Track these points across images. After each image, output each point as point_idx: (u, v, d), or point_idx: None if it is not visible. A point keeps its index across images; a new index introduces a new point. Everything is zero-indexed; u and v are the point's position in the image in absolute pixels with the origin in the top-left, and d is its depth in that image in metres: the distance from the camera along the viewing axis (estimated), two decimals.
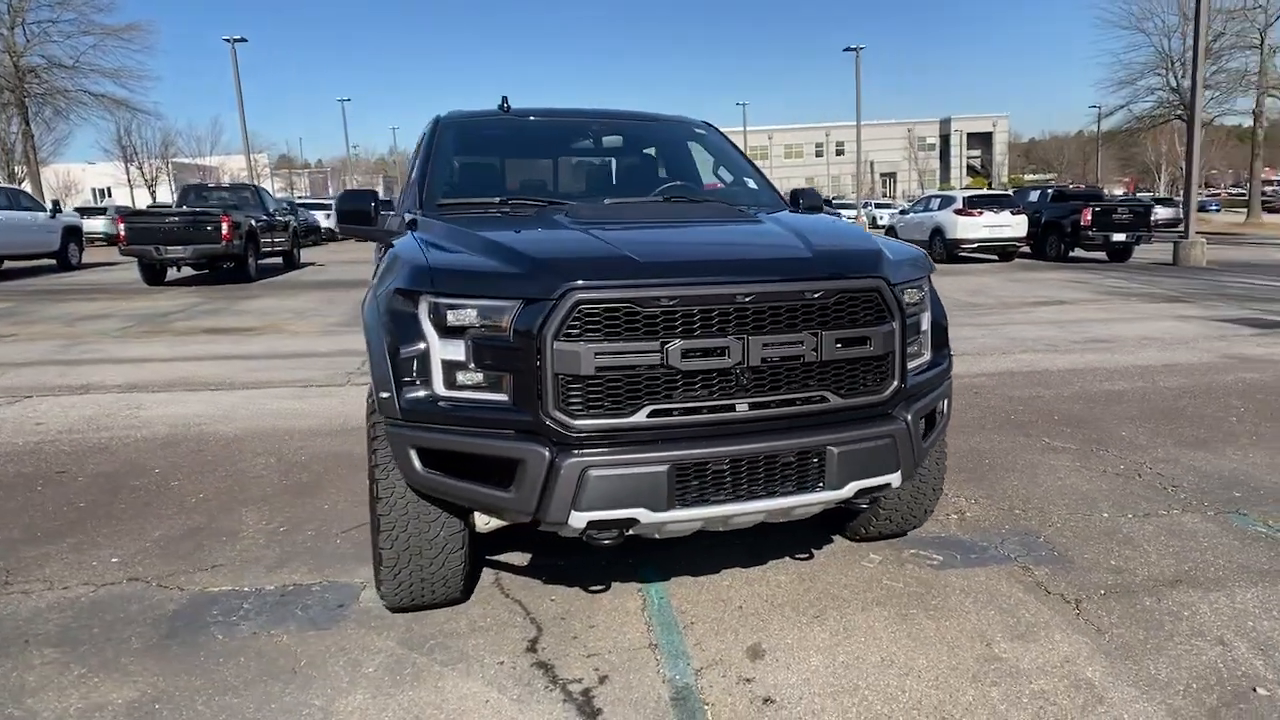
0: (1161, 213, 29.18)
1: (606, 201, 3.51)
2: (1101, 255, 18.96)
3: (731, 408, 2.45)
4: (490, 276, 2.46)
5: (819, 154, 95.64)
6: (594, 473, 2.33)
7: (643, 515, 2.39)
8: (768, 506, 2.50)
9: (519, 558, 3.42)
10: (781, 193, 4.09)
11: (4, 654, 2.75)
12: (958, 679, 2.51)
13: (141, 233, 15.73)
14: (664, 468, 2.36)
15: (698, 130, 4.37)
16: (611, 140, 4.22)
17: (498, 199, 3.56)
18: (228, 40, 35.12)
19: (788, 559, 3.36)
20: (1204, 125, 36.74)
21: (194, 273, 17.63)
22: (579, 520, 2.37)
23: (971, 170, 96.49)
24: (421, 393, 2.50)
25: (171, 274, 17.48)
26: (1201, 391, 6.11)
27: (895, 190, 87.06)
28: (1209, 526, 3.61)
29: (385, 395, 2.53)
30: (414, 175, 3.70)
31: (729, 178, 4.17)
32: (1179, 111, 37.17)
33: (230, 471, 4.66)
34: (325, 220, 35.48)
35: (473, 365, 2.44)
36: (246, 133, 36.06)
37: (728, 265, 2.53)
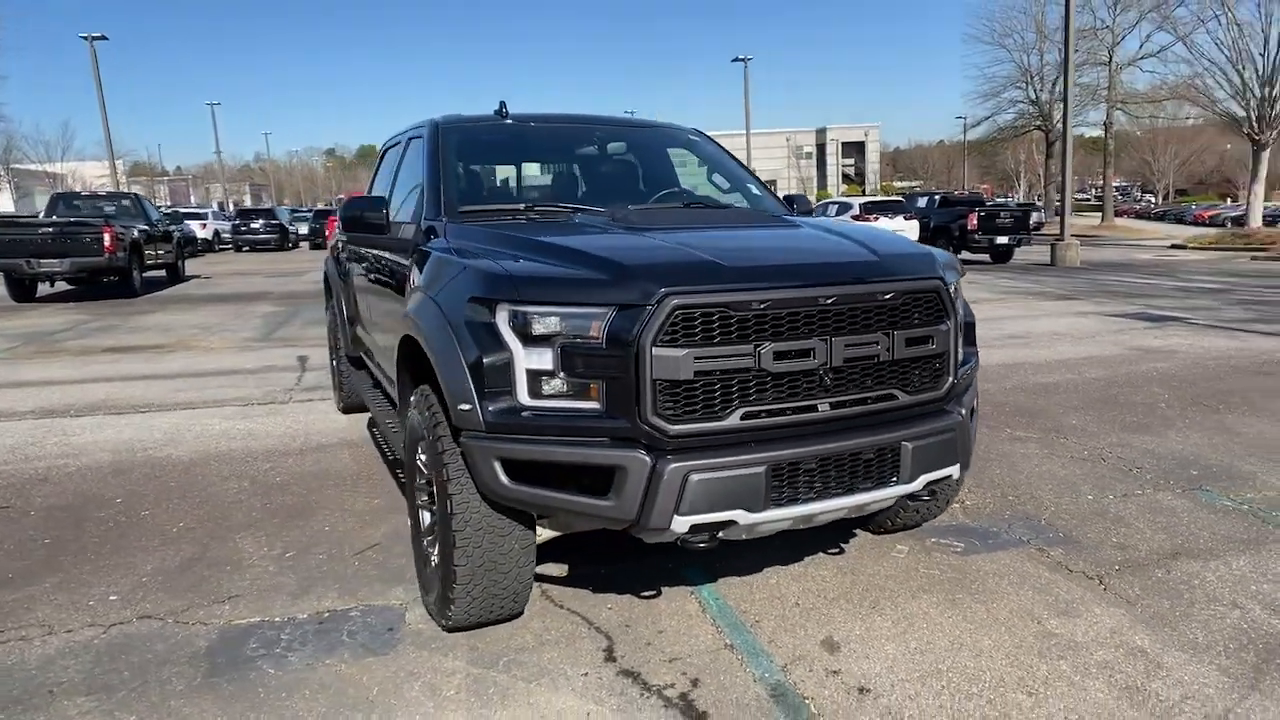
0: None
1: (631, 208, 3.51)
2: (985, 257, 20.26)
3: (814, 408, 2.52)
4: (579, 284, 2.43)
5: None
6: (695, 477, 2.34)
7: (740, 517, 2.42)
8: (849, 503, 2.58)
9: (557, 569, 3.37)
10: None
11: (31, 708, 2.50)
12: (1026, 655, 2.66)
13: (10, 245, 14.41)
14: (761, 469, 2.40)
15: (691, 137, 4.44)
16: (615, 146, 4.22)
17: (522, 205, 3.51)
18: (86, 38, 32.63)
19: (821, 554, 3.46)
20: (1060, 136, 39.96)
21: (68, 288, 16.31)
22: (681, 525, 2.37)
23: (846, 178, 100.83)
24: (504, 404, 2.44)
25: (43, 289, 16.12)
26: (1124, 381, 6.66)
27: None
28: (1183, 503, 3.95)
29: (466, 408, 2.46)
30: (424, 182, 3.58)
31: (725, 184, 4.25)
32: (1038, 122, 40.16)
33: (203, 498, 4.37)
34: (201, 230, 33.57)
35: (561, 374, 2.40)
36: (110, 137, 33.62)
37: (809, 269, 2.59)
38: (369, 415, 6.06)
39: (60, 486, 4.60)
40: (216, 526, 3.95)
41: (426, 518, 3.10)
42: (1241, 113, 24.86)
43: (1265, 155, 25.33)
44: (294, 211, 44.25)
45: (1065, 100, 18.63)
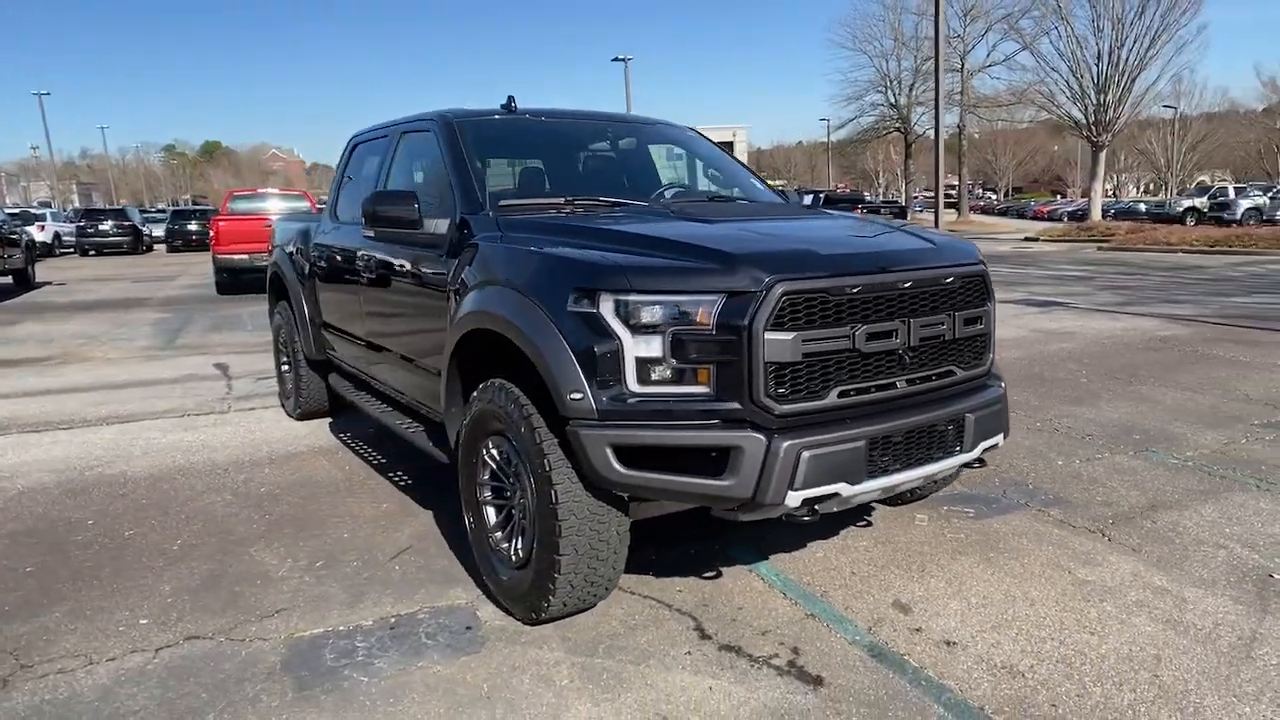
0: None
1: (670, 200, 3.59)
2: None
3: (894, 385, 2.70)
4: (688, 272, 2.50)
5: None
6: (807, 453, 2.46)
7: (843, 489, 2.56)
8: (925, 472, 2.78)
9: None
10: None
11: None
12: (1072, 601, 2.95)
13: None
14: (862, 443, 2.56)
15: (689, 133, 4.55)
16: (626, 142, 4.28)
17: (561, 199, 3.52)
18: None
19: (852, 527, 3.66)
20: (918, 138, 42.69)
21: None
22: (793, 500, 2.49)
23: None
24: (615, 391, 2.49)
25: None
26: (1042, 360, 7.30)
27: None
28: (1139, 463, 4.43)
29: (577, 396, 2.49)
30: (452, 177, 3.52)
31: (721, 177, 4.39)
32: (898, 125, 42.70)
33: (190, 514, 4.10)
34: (40, 233, 30.59)
35: (672, 360, 2.47)
36: None
37: (888, 256, 2.76)
38: (329, 421, 5.85)
39: (8, 512, 4.20)
40: (222, 541, 3.74)
41: (493, 514, 3.08)
42: (1082, 117, 27.49)
43: (1103, 156, 28.12)
44: (143, 212, 41.04)
45: (936, 104, 19.97)
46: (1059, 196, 63.82)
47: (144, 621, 3.01)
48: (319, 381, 5.71)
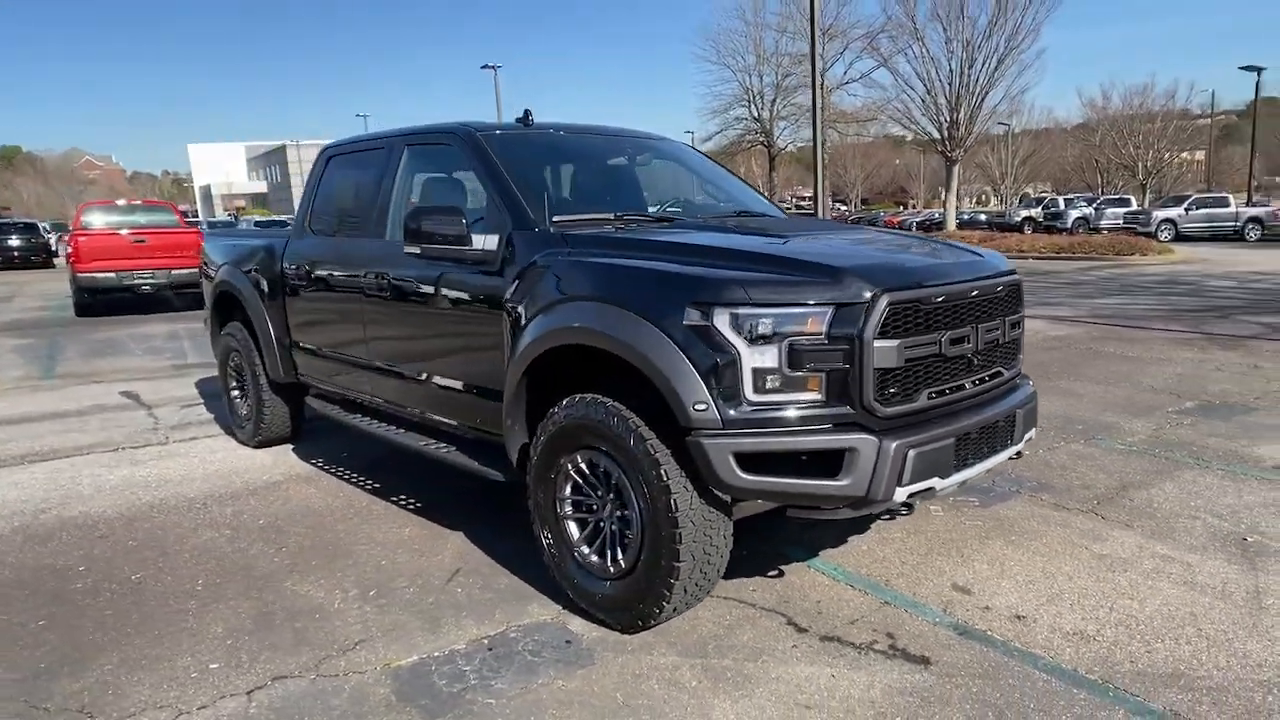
0: None
1: (716, 217, 3.73)
2: None
3: (964, 386, 2.96)
4: (800, 285, 2.65)
5: None
6: (912, 452, 2.67)
7: (936, 483, 2.79)
8: (990, 464, 3.05)
9: None
10: None
11: None
12: (1101, 573, 3.32)
13: None
14: (951, 441, 2.80)
15: (688, 149, 4.71)
16: (643, 158, 4.37)
17: (611, 215, 3.58)
18: None
19: (879, 522, 3.92)
20: (780, 151, 44.65)
21: None
22: (900, 495, 2.69)
23: None
24: (735, 401, 2.61)
25: None
26: None
27: None
28: (1093, 450, 4.96)
29: (701, 407, 2.59)
30: (493, 192, 3.51)
31: (727, 191, 4.56)
32: (761, 139, 44.47)
33: (193, 551, 3.85)
34: None
35: (786, 369, 2.62)
36: None
37: (957, 268, 3.02)
38: (291, 447, 5.58)
39: None
40: (248, 578, 3.54)
41: (575, 528, 3.11)
42: (936, 133, 29.78)
43: (956, 170, 30.58)
44: None
45: (814, 118, 21.06)
46: (903, 207, 68.40)
47: (214, 666, 2.84)
48: (283, 406, 5.45)
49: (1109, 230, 27.83)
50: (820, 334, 2.62)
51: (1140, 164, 40.69)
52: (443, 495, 4.48)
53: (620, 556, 2.93)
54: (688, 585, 2.78)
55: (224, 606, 3.28)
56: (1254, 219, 27.39)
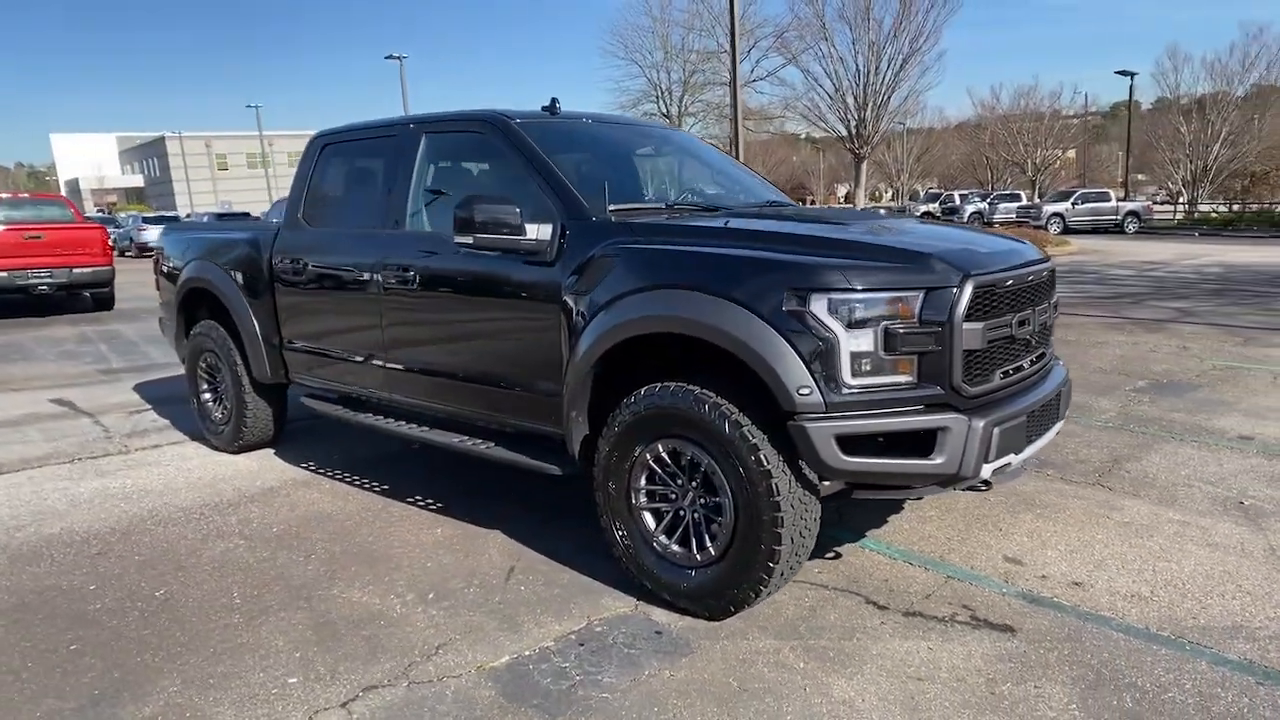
0: None
1: (763, 206, 3.76)
2: None
3: (1023, 366, 3.11)
4: (893, 271, 2.72)
5: None
6: (996, 429, 2.78)
7: (1013, 459, 2.91)
8: (1047, 439, 3.21)
9: None
10: None
11: None
12: (1131, 539, 3.54)
13: None
14: (1024, 418, 2.93)
15: (698, 140, 4.72)
16: (667, 148, 4.35)
17: (661, 204, 3.56)
18: None
19: (910, 501, 4.05)
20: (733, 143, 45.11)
21: None
22: (986, 471, 2.80)
23: None
24: (835, 385, 2.65)
25: None
26: None
27: None
28: (1076, 427, 5.26)
29: (806, 391, 2.63)
30: (541, 182, 3.44)
31: (736, 184, 4.61)
32: None
33: (213, 563, 3.62)
34: None
35: (882, 352, 2.68)
36: None
37: (1016, 254, 3.15)
38: (272, 450, 5.30)
39: None
40: (287, 588, 3.36)
41: (651, 519, 3.10)
42: (845, 130, 30.77)
43: (864, 166, 31.69)
44: None
45: (735, 117, 21.37)
46: (803, 203, 70.41)
47: (293, 680, 2.68)
48: (266, 408, 5.18)
49: (1003, 224, 29.46)
50: (913, 318, 2.69)
51: (1030, 161, 43.28)
52: (457, 494, 4.37)
53: (709, 544, 2.93)
54: (784, 569, 2.81)
55: (274, 619, 3.10)
56: (1132, 212, 29.55)
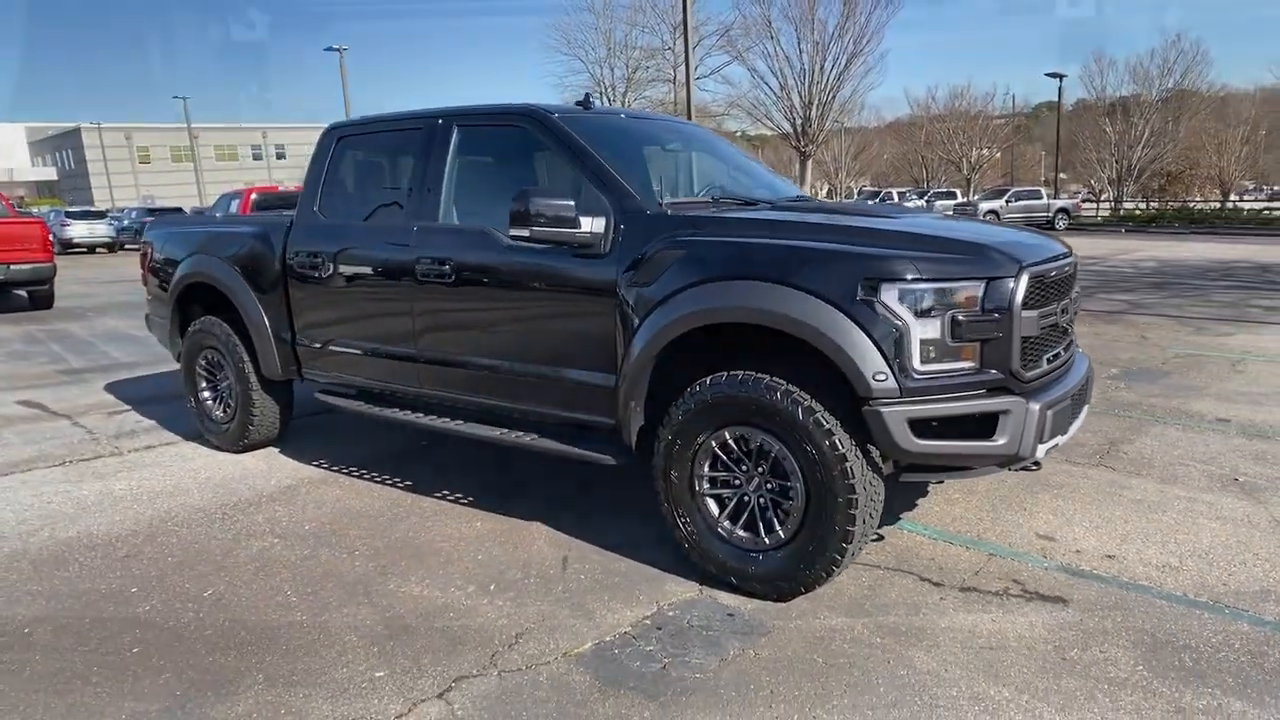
0: None
1: (797, 199, 3.86)
2: None
3: (1060, 353, 3.29)
4: (958, 262, 2.85)
5: (257, 157, 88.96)
6: (1049, 411, 2.95)
7: (1060, 439, 3.08)
8: (1080, 421, 3.39)
9: None
10: None
11: None
12: (1147, 515, 3.77)
13: None
14: (1069, 400, 3.10)
15: (718, 136, 4.81)
16: (696, 144, 4.41)
17: (705, 198, 3.63)
18: None
19: (931, 487, 4.22)
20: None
21: None
22: (1040, 452, 2.96)
23: None
24: (906, 370, 2.78)
25: None
26: None
27: None
28: None
29: (882, 378, 2.74)
30: (591, 175, 3.47)
31: (757, 180, 4.71)
32: None
33: (255, 564, 3.57)
34: None
35: (949, 340, 2.81)
36: None
37: (1052, 246, 3.32)
38: (277, 449, 5.20)
39: None
40: (342, 584, 3.34)
41: (714, 505, 3.17)
42: (790, 129, 31.29)
43: (809, 164, 32.26)
44: None
45: (689, 114, 21.54)
46: None
47: (380, 674, 2.68)
48: (274, 406, 5.08)
49: None
50: (976, 307, 2.83)
51: (965, 159, 44.73)
52: (482, 488, 4.38)
53: (777, 528, 3.03)
54: (855, 549, 2.92)
55: (338, 615, 3.08)
56: (1062, 209, 30.91)
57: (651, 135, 4.32)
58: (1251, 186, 49.77)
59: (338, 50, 36.09)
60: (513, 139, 3.94)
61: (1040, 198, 31.76)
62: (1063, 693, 2.47)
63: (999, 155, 52.92)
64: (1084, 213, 33.70)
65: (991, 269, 2.86)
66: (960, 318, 2.80)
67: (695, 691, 2.53)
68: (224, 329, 5.05)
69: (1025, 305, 2.88)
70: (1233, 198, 39.92)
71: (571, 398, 3.57)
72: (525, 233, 3.35)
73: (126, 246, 31.14)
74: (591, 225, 3.39)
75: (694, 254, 3.15)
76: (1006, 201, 31.11)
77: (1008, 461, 2.94)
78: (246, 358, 4.94)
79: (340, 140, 4.59)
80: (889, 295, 2.77)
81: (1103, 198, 38.67)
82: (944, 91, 48.90)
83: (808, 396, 2.87)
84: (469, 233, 3.84)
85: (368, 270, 4.23)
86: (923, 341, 2.79)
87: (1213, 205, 35.47)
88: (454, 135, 4.02)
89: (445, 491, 4.35)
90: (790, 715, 2.40)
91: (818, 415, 2.84)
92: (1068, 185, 47.30)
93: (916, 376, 2.79)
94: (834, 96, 30.17)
